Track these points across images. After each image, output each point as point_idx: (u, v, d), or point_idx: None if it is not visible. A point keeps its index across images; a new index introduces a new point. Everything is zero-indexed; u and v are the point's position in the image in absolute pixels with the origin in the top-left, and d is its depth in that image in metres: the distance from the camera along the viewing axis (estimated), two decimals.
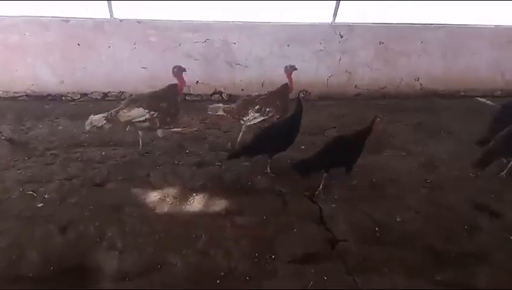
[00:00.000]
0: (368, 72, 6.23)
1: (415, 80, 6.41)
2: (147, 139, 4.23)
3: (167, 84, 3.90)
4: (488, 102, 6.27)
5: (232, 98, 5.76)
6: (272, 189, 3.49)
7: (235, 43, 5.77)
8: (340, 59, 6.07)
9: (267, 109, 3.98)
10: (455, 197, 3.47)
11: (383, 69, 6.28)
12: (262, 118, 4.01)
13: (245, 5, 5.79)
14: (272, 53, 5.83)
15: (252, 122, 4.05)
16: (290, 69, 4.10)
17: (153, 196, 3.33)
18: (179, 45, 5.62)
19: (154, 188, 3.44)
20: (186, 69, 3.93)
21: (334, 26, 5.93)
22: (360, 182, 3.68)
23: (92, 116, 3.82)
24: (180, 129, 4.62)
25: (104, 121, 3.76)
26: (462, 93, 6.55)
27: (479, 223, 3.11)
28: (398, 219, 3.13)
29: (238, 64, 5.89)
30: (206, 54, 5.75)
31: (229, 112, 4.09)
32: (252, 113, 4.01)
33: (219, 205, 3.24)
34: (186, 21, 5.63)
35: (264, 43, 5.82)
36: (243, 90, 5.93)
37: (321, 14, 5.94)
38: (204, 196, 3.35)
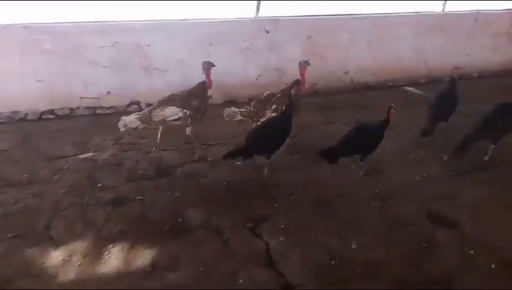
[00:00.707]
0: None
1: (345, 73, 6.19)
2: (46, 172, 3.42)
3: (197, 83, 3.96)
4: (415, 91, 6.27)
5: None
6: (207, 224, 2.93)
7: (149, 45, 5.02)
8: (268, 56, 5.63)
9: (282, 107, 3.74)
10: (407, 208, 3.20)
11: (313, 64, 5.95)
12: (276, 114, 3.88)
13: (158, 2, 5.06)
14: (193, 54, 5.18)
15: None
16: (304, 64, 4.08)
17: (55, 257, 2.58)
18: (82, 50, 4.74)
19: (56, 244, 2.69)
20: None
21: (258, 21, 5.44)
22: (306, 201, 3.27)
23: (123, 117, 3.72)
24: (90, 155, 3.85)
25: (138, 122, 3.71)
26: (390, 84, 6.49)
27: (436, 239, 2.86)
28: (354, 246, 2.76)
29: (156, 68, 5.15)
30: (116, 60, 4.92)
31: (247, 115, 3.93)
32: (269, 114, 3.89)
33: (143, 257, 2.60)
34: (88, 22, 4.76)
35: (184, 43, 5.14)
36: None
37: (243, 9, 5.42)
38: (123, 248, 2.68)
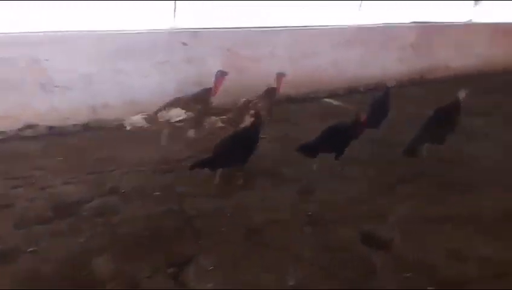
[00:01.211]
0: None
1: (267, 86, 6.04)
2: None
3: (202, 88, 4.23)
4: (335, 102, 6.32)
5: (54, 130, 4.40)
6: (120, 276, 2.44)
7: (47, 60, 4.36)
8: (187, 70, 5.25)
9: (260, 113, 3.87)
10: (341, 232, 3.03)
11: (234, 77, 5.71)
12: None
13: (58, 10, 4.40)
14: (102, 69, 4.63)
15: None
16: (281, 75, 4.51)
17: None
18: None
19: None
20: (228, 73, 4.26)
21: (174, 33, 5.07)
22: (234, 232, 2.95)
23: (130, 116, 3.94)
24: None
25: (144, 122, 3.91)
26: (312, 96, 6.50)
27: (373, 263, 2.72)
28: (291, 283, 2.50)
29: (57, 86, 4.49)
30: (5, 78, 4.19)
31: (227, 122, 4.09)
32: (248, 119, 3.96)
33: None
34: None
35: (90, 57, 4.55)
36: (68, 118, 4.58)
37: (158, 19, 5.00)
38: None
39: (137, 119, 3.92)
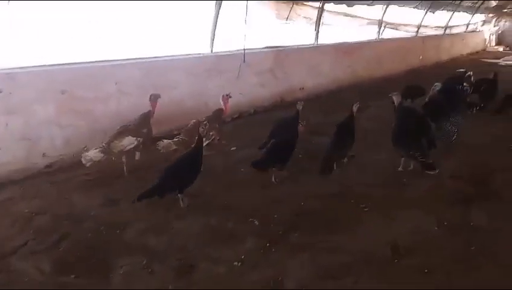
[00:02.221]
0: (58, 132, 4.50)
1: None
2: None
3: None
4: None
5: None
6: None
7: None
8: (7, 123, 4.06)
9: (210, 133, 4.40)
10: None
11: (77, 125, 4.71)
12: (208, 141, 4.42)
13: None
14: None
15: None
16: (226, 97, 4.76)
17: None
18: None
19: None
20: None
21: None
22: None
23: (85, 153, 4.07)
24: None
25: (101, 154, 4.07)
26: (175, 132, 5.83)
27: None
28: None
29: None
30: None
31: (180, 144, 4.35)
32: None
33: None
34: None
35: None
36: None
37: None
38: None
39: (95, 154, 4.06)
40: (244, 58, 6.23)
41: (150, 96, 4.49)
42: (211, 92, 6.19)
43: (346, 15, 9.41)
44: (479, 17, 17.60)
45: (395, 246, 3.13)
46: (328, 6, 8.49)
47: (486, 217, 3.50)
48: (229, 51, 6.52)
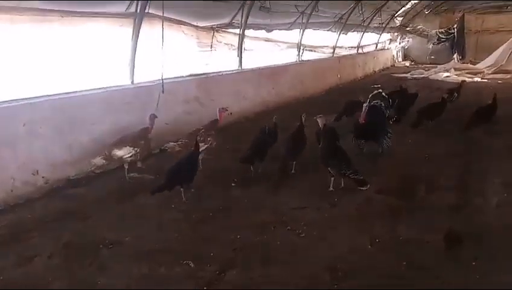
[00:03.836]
0: None
1: (34, 174, 4.67)
2: None
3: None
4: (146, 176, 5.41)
5: None
6: None
7: None
8: None
9: (208, 139, 5.16)
10: None
11: None
12: (206, 145, 5.13)
13: None
14: None
15: (201, 150, 4.87)
16: (222, 110, 5.58)
17: None
18: None
19: None
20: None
21: None
22: None
23: (91, 160, 4.82)
24: None
25: (104, 161, 4.83)
26: (98, 171, 5.40)
27: None
28: None
29: None
30: None
31: (183, 146, 5.01)
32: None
33: None
34: None
35: None
36: None
37: None
38: None
39: (99, 161, 4.80)
40: (162, 88, 6.01)
41: (150, 115, 5.22)
42: (133, 124, 5.88)
43: (267, 40, 9.67)
44: (386, 36, 19.25)
45: (333, 270, 3.14)
46: (249, 32, 8.66)
47: (414, 229, 3.67)
48: (150, 82, 6.28)
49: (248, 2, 7.82)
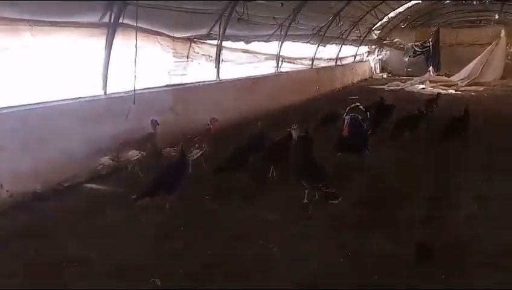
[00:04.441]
0: None
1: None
2: None
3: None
4: (99, 187, 5.28)
5: None
6: None
7: None
8: None
9: (203, 145, 5.45)
10: None
11: None
12: (201, 152, 5.42)
13: None
14: None
15: (195, 157, 5.36)
16: (214, 119, 5.91)
17: None
18: None
19: None
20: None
21: None
22: None
23: (101, 158, 5.28)
24: None
25: (111, 162, 5.25)
26: (66, 184, 5.22)
27: None
28: None
29: None
30: None
31: (179, 151, 4.82)
32: (194, 150, 5.34)
33: None
34: None
35: None
36: None
37: None
38: None
39: (106, 160, 5.16)
40: (134, 99, 5.89)
41: (151, 120, 5.57)
42: (105, 136, 5.74)
43: (245, 51, 9.69)
44: (364, 48, 19.63)
45: (304, 286, 3.08)
46: (227, 43, 8.65)
47: (386, 243, 3.66)
48: (124, 92, 6.16)
49: (226, 13, 7.82)
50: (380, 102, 8.15)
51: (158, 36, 6.69)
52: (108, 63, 5.74)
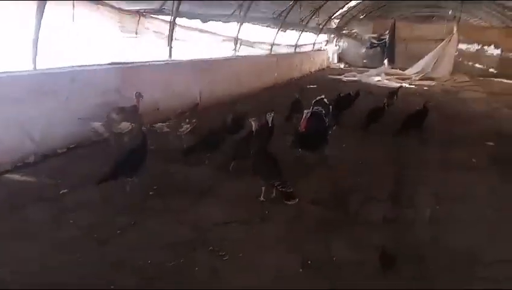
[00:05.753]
0: None
1: None
2: None
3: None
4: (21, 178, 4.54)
5: None
6: None
7: None
8: None
9: (193, 120, 5.53)
10: None
11: None
12: (191, 127, 5.49)
13: None
14: None
15: (186, 132, 5.45)
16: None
17: None
18: None
19: None
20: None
21: None
22: None
23: (93, 122, 5.06)
24: None
25: (103, 129, 5.09)
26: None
27: None
28: None
29: None
30: None
31: (171, 127, 5.47)
32: (184, 125, 5.44)
33: None
34: None
35: None
36: None
37: None
38: None
39: (99, 127, 5.07)
40: (79, 76, 5.18)
41: (135, 93, 5.50)
42: (37, 119, 4.98)
43: (202, 31, 9.04)
44: (323, 37, 19.48)
45: None
46: (182, 20, 7.95)
47: (348, 248, 3.36)
48: (60, 68, 5.38)
49: None
50: (340, 95, 7.91)
51: (101, 6, 5.90)
52: (38, 31, 4.93)
